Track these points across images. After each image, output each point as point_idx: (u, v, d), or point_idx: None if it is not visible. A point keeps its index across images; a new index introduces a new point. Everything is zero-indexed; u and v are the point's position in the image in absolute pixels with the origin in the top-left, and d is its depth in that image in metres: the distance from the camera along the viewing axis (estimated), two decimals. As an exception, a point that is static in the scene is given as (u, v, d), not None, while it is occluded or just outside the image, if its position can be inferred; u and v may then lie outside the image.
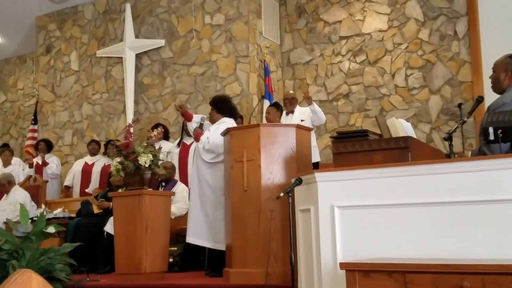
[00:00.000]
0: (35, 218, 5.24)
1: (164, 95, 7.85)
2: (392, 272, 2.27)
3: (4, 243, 4.37)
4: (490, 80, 3.23)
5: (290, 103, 6.16)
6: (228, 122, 4.82)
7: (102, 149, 7.89)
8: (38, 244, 4.55)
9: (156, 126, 6.94)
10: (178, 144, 6.73)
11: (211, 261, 4.83)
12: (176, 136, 7.27)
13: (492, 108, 2.96)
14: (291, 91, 6.71)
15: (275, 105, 6.19)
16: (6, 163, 8.17)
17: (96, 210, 5.98)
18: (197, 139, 4.92)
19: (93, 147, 7.86)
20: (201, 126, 4.99)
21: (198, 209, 4.80)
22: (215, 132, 4.76)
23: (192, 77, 7.61)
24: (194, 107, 7.44)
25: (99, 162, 7.74)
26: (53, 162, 8.10)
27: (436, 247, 2.52)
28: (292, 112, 6.14)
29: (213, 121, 4.98)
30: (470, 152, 3.47)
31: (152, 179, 4.76)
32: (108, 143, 7.70)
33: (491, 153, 2.72)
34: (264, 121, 6.73)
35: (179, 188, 5.85)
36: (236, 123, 5.08)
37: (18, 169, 7.98)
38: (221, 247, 4.51)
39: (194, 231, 4.78)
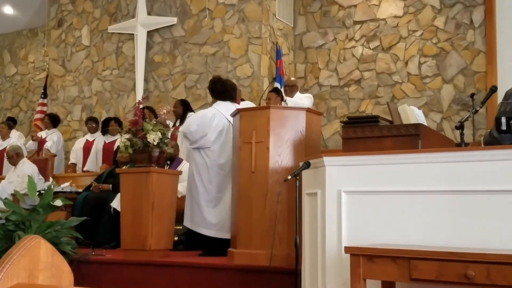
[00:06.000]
0: (42, 191, 5.27)
1: (174, 74, 7.82)
2: (396, 258, 2.26)
3: (11, 214, 4.41)
4: None
5: (290, 91, 6.11)
6: (215, 108, 4.75)
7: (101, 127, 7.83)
8: (45, 216, 4.59)
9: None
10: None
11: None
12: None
13: (509, 93, 2.93)
14: (292, 78, 6.68)
15: (275, 91, 6.01)
16: (4, 137, 8.17)
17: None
18: None
19: (90, 126, 7.82)
20: None
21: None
22: (190, 118, 4.76)
23: (203, 57, 7.57)
24: (204, 87, 7.42)
25: (98, 139, 7.73)
26: (51, 139, 7.97)
27: (443, 235, 2.51)
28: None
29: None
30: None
31: (160, 157, 4.76)
32: (106, 121, 7.65)
33: (500, 138, 2.70)
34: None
35: (185, 167, 5.84)
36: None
37: (16, 142, 7.90)
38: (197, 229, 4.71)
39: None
